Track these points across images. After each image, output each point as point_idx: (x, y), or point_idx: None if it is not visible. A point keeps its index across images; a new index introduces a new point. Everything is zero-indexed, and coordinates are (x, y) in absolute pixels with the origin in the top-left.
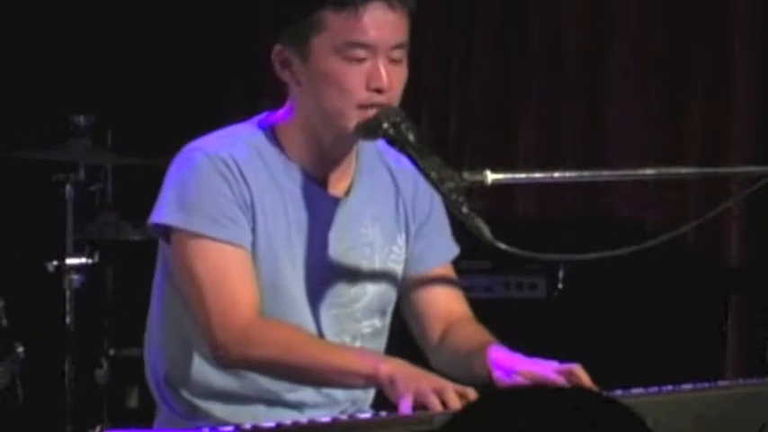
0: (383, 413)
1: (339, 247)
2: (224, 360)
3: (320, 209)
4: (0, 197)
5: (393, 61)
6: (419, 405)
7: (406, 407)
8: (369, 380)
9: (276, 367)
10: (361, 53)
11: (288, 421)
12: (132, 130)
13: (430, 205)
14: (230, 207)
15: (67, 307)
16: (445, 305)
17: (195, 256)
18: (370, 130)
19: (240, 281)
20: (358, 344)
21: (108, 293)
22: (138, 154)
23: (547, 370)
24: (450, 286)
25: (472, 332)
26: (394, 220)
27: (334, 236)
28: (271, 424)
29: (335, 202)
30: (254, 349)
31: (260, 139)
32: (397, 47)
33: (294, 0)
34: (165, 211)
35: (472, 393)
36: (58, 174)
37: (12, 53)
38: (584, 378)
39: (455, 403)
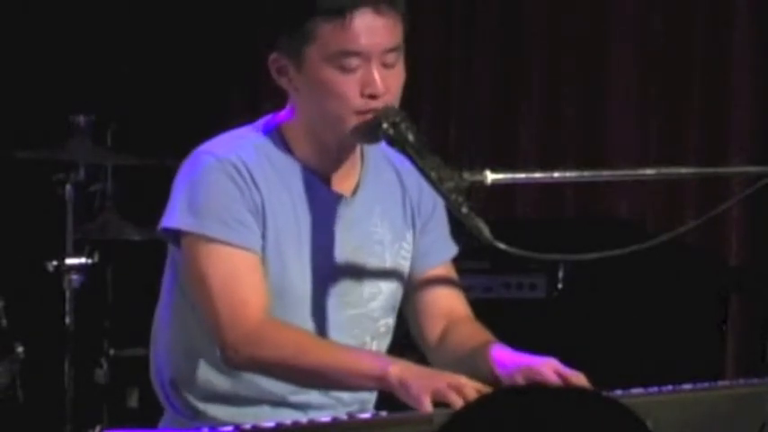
0: (383, 413)
1: (348, 247)
2: (233, 362)
3: (328, 208)
4: (0, 197)
5: (387, 65)
6: (437, 404)
7: (426, 407)
8: (378, 382)
9: (285, 369)
10: (353, 62)
11: (287, 421)
12: (132, 130)
13: (433, 203)
14: (240, 211)
15: (67, 307)
16: (446, 304)
17: (205, 260)
18: (369, 131)
19: (250, 283)
20: (375, 343)
21: (108, 293)
22: (138, 154)
23: (547, 369)
24: (452, 286)
25: (473, 332)
26: (402, 217)
27: (342, 235)
28: (270, 424)
29: (343, 200)
30: (264, 351)
31: (267, 141)
32: (390, 51)
33: (285, 10)
34: (175, 216)
35: (486, 389)
36: (58, 174)
37: (12, 53)
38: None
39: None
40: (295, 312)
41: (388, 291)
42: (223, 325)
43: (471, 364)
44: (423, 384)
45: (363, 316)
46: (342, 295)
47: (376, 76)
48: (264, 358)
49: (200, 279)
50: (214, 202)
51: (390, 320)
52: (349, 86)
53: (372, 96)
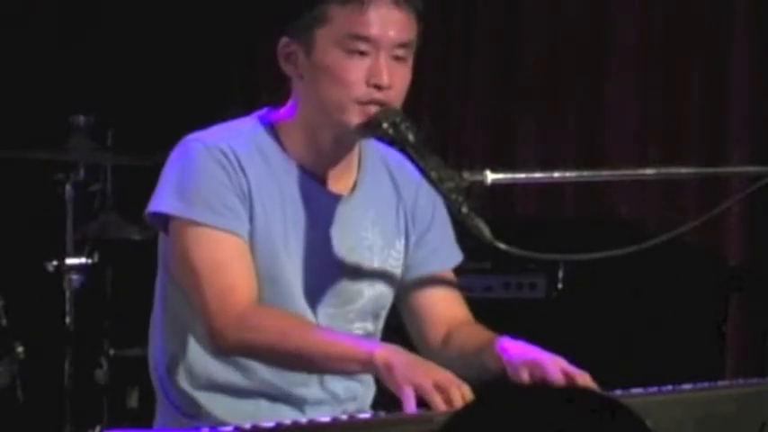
0: (383, 413)
1: (343, 246)
2: (220, 346)
3: (320, 206)
4: (0, 197)
5: (397, 59)
6: (420, 399)
7: (410, 405)
8: (364, 365)
9: (272, 353)
10: (362, 46)
11: (287, 421)
12: (132, 130)
13: (431, 213)
14: (228, 196)
15: (67, 307)
16: (447, 308)
17: (193, 245)
18: (369, 129)
19: (238, 268)
20: None
21: (108, 293)
22: (138, 154)
23: (552, 366)
24: (451, 290)
25: (476, 331)
26: (394, 224)
27: (337, 234)
28: (270, 424)
29: (337, 199)
30: (251, 334)
31: (260, 134)
32: (401, 45)
33: None
34: (163, 200)
35: (467, 388)
36: (58, 174)
37: (12, 53)
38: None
39: (458, 402)
40: (285, 301)
41: (369, 296)
42: (211, 311)
43: (479, 360)
44: (406, 373)
45: (338, 316)
46: (329, 294)
47: (383, 66)
48: (251, 342)
49: (188, 265)
50: (202, 188)
51: (369, 325)
52: (355, 72)
53: (377, 87)
